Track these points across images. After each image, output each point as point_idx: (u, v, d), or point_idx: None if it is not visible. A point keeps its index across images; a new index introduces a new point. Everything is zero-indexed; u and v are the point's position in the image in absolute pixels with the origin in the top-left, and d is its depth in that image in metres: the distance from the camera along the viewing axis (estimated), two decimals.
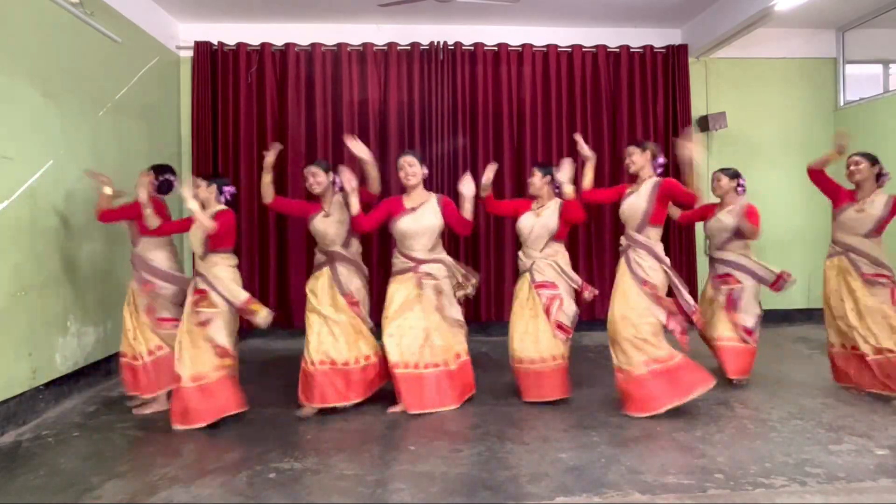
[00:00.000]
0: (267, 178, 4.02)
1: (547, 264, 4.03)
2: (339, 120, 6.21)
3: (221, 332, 3.66)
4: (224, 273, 3.73)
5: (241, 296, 3.70)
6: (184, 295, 3.90)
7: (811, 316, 6.68)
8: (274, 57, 6.22)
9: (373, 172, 4.02)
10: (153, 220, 3.83)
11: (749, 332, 4.28)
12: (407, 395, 3.87)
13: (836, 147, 3.96)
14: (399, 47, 6.27)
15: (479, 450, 3.29)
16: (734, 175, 4.48)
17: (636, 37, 6.53)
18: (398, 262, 4.07)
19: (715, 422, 3.62)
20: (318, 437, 3.51)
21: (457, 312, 4.07)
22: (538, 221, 4.06)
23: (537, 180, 4.14)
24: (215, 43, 6.16)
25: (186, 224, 3.86)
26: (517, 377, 4.09)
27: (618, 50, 6.46)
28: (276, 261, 6.22)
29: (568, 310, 4.02)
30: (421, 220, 3.96)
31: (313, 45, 6.21)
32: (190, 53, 6.16)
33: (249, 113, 6.18)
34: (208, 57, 6.13)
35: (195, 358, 3.61)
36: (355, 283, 4.08)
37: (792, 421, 3.64)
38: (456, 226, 4.00)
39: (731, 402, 3.97)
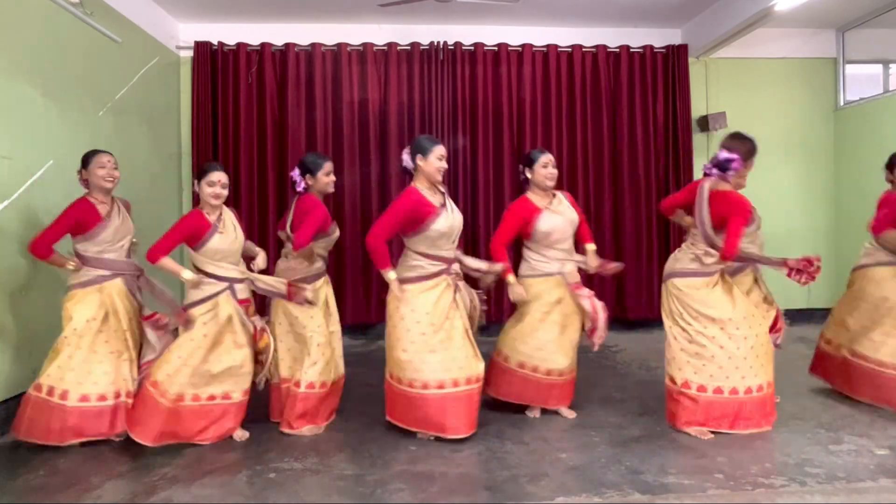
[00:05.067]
0: None
1: (574, 265, 3.74)
2: (339, 120, 6.21)
3: None
4: None
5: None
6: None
7: (811, 316, 6.67)
8: (274, 57, 6.22)
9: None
10: None
11: None
12: None
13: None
14: (399, 47, 6.27)
15: (479, 450, 3.29)
16: None
17: (636, 37, 6.52)
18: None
19: None
20: (318, 437, 3.51)
21: None
22: (566, 217, 3.69)
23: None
24: (215, 43, 6.16)
25: None
26: (530, 386, 3.75)
27: (618, 50, 6.46)
28: (276, 261, 6.21)
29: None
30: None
31: (313, 45, 6.21)
32: (190, 53, 6.16)
33: (249, 113, 6.17)
34: (208, 57, 6.13)
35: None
36: None
37: (792, 421, 3.64)
38: None
39: None
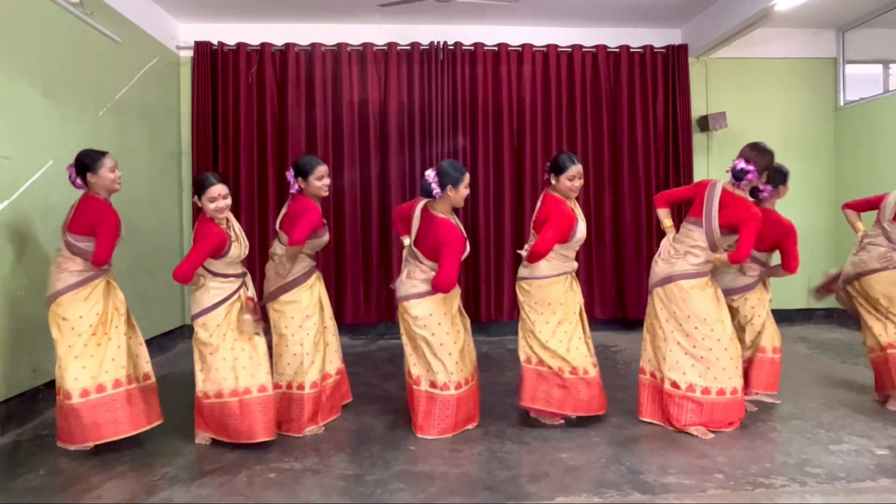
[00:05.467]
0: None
1: None
2: (339, 120, 6.22)
3: None
4: None
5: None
6: None
7: (811, 316, 6.68)
8: (274, 57, 6.22)
9: None
10: None
11: None
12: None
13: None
14: (399, 47, 6.27)
15: (479, 450, 3.29)
16: None
17: (636, 37, 6.53)
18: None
19: None
20: (318, 437, 3.51)
21: None
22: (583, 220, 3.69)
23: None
24: (215, 43, 6.16)
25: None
26: (576, 389, 3.59)
27: (618, 50, 6.46)
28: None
29: None
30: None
31: (313, 45, 6.21)
32: (190, 53, 6.16)
33: (249, 113, 6.18)
34: (208, 57, 6.13)
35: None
36: None
37: (792, 421, 3.64)
38: None
39: None
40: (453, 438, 3.43)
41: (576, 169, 3.54)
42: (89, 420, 3.24)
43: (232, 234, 3.42)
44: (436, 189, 3.37)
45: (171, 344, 5.86)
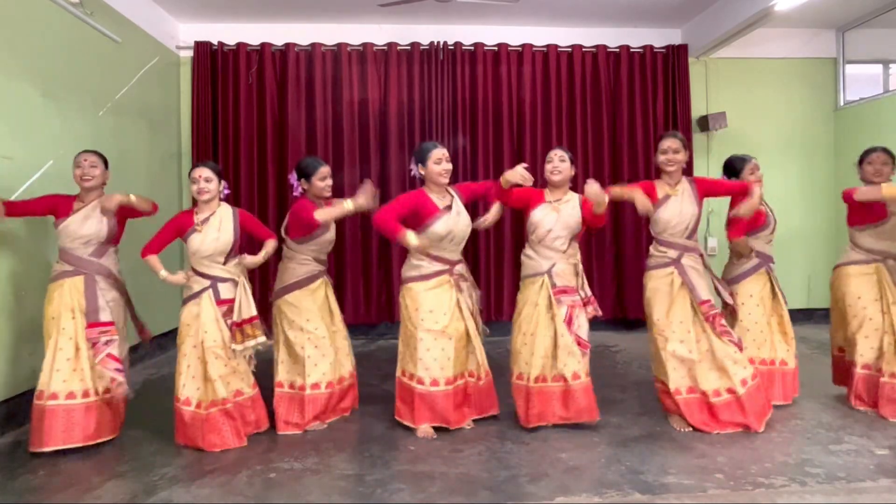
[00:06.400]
0: None
1: (570, 267, 3.55)
2: (339, 120, 6.22)
3: None
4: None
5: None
6: None
7: (811, 316, 6.68)
8: (274, 57, 6.22)
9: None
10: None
11: None
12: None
13: None
14: (399, 47, 6.27)
15: (479, 450, 3.29)
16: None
17: (636, 37, 6.53)
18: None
19: None
20: (318, 437, 3.51)
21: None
22: (559, 218, 3.50)
23: (567, 166, 3.53)
24: (215, 43, 6.16)
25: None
26: (531, 398, 3.49)
27: (618, 50, 6.46)
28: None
29: (584, 322, 3.52)
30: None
31: (313, 45, 6.21)
32: (190, 53, 6.16)
33: (249, 113, 6.18)
34: (208, 57, 6.13)
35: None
36: None
37: (792, 421, 3.64)
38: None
39: None
40: (453, 438, 3.43)
41: (549, 154, 3.60)
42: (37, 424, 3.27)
43: (203, 225, 3.35)
44: (413, 170, 3.55)
45: (171, 344, 5.82)
